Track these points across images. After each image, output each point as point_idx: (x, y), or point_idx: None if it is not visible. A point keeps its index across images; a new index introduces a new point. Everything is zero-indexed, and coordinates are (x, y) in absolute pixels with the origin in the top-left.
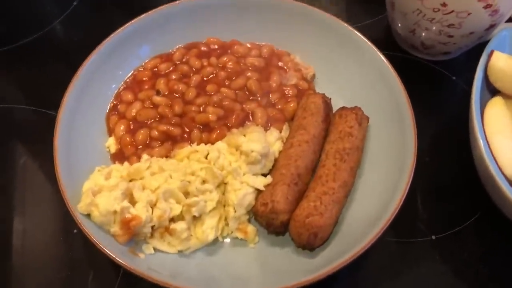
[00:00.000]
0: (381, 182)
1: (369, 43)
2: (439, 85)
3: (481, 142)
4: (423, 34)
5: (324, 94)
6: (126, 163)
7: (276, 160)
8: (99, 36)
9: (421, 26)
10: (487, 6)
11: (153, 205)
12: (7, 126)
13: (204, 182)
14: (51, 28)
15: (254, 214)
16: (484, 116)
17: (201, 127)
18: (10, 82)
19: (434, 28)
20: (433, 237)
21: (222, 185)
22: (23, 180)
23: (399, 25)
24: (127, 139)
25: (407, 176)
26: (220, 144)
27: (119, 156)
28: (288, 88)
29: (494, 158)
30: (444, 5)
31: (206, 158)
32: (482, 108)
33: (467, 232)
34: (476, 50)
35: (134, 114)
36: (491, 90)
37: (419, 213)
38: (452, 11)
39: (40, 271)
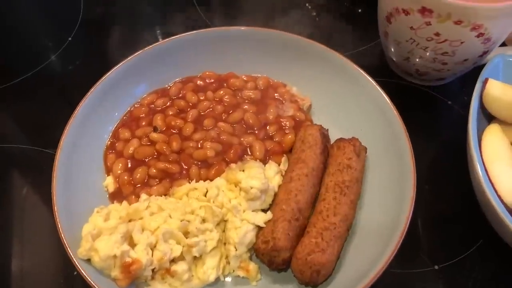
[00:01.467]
0: (382, 214)
1: (364, 73)
2: (435, 110)
3: (479, 171)
4: (417, 61)
5: (321, 125)
6: (125, 203)
7: (276, 195)
8: (96, 70)
9: (415, 54)
10: (480, 35)
11: (153, 247)
12: (5, 166)
13: (204, 221)
14: (46, 64)
15: (256, 251)
16: (482, 144)
17: (199, 163)
18: (9, 120)
19: (428, 55)
20: (436, 267)
21: (222, 222)
22: (22, 220)
23: (393, 52)
24: (125, 177)
25: (407, 209)
26: (219, 181)
27: (118, 195)
28: (285, 120)
29: (494, 186)
30: (437, 34)
31: (205, 195)
32: (480, 134)
33: (470, 261)
34: (471, 74)
35: (132, 152)
36: (487, 116)
37: (420, 243)
38: (445, 40)
39: None
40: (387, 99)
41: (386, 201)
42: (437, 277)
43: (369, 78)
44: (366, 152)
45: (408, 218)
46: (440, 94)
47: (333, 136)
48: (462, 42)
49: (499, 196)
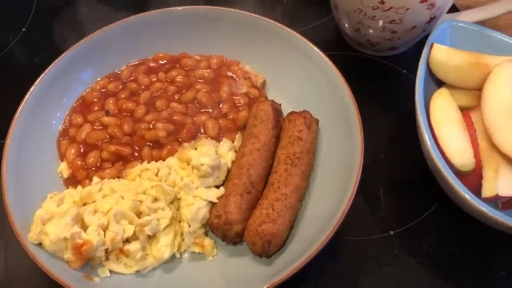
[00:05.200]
0: (333, 184)
1: (312, 46)
2: (391, 80)
3: (426, 135)
4: (369, 31)
5: (273, 100)
6: (79, 187)
7: (229, 171)
8: (51, 59)
9: (364, 24)
10: (423, 0)
11: (105, 228)
12: None
13: (155, 200)
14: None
15: (210, 226)
16: (430, 108)
17: (151, 144)
18: None
19: (377, 25)
20: (391, 232)
21: (176, 201)
22: None
23: (346, 25)
24: (78, 162)
25: (355, 175)
26: (171, 160)
27: (72, 181)
28: (239, 97)
29: (442, 150)
30: (382, 2)
31: (157, 175)
32: (429, 99)
33: (425, 225)
34: (425, 42)
35: (84, 137)
36: (437, 81)
37: (376, 210)
38: (391, 7)
39: None
40: (336, 71)
41: (338, 171)
42: (393, 242)
43: (319, 52)
44: (318, 124)
45: (355, 185)
46: (395, 64)
47: (288, 111)
48: (407, 9)
49: (447, 159)
